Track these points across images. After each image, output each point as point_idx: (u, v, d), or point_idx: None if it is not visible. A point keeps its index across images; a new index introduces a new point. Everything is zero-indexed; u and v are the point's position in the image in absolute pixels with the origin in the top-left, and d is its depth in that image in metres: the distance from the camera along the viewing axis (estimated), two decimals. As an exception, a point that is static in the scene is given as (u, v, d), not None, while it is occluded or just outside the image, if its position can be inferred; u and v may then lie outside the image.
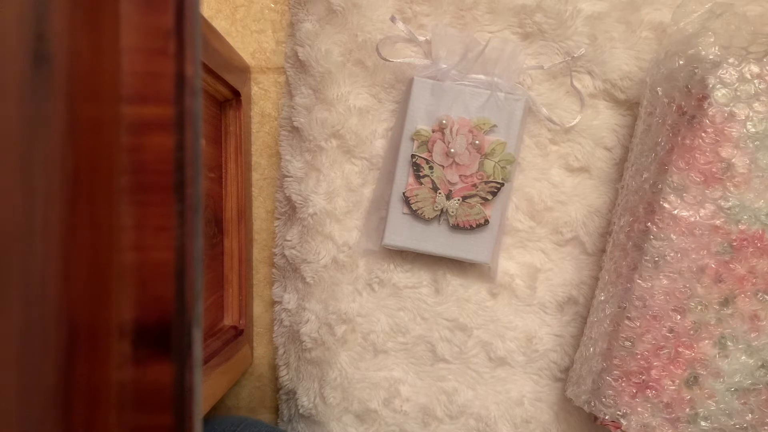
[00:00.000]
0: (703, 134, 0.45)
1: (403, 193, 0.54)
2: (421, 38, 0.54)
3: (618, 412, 0.49)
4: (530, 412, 0.58)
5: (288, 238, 0.59)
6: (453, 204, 0.54)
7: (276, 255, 0.62)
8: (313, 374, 0.59)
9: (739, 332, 0.47)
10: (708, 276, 0.46)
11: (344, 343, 0.58)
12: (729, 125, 0.45)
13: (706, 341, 0.47)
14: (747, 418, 0.48)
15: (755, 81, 0.45)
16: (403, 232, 0.55)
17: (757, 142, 0.45)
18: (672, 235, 0.46)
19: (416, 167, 0.54)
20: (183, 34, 0.25)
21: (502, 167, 0.54)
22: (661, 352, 0.48)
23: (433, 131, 0.53)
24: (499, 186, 0.54)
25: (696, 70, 0.45)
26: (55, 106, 0.24)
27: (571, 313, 0.58)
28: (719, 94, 0.45)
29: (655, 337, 0.48)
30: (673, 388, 0.48)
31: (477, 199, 0.54)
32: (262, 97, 0.62)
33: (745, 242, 0.46)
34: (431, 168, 0.54)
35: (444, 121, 0.53)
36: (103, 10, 0.25)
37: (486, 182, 0.54)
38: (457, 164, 0.53)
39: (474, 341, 0.58)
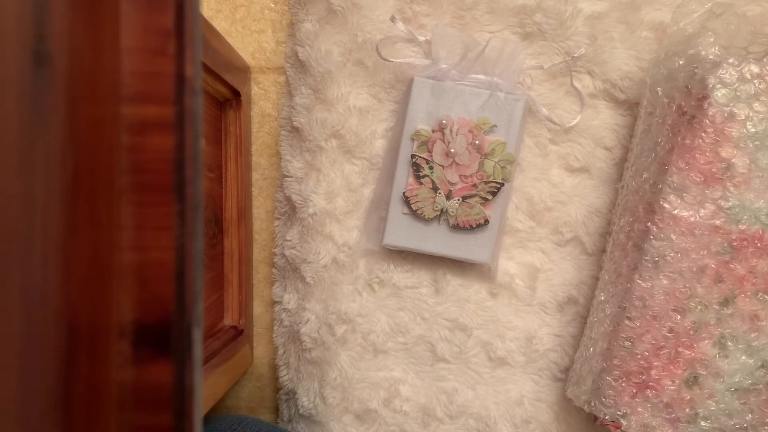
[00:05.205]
0: (703, 134, 0.45)
1: (403, 193, 0.54)
2: (421, 38, 0.54)
3: (618, 412, 0.49)
4: (530, 412, 0.58)
5: (288, 238, 0.59)
6: (453, 204, 0.54)
7: (276, 255, 0.62)
8: (313, 374, 0.59)
9: (739, 332, 0.47)
10: (708, 276, 0.46)
11: (344, 343, 0.58)
12: (729, 125, 0.45)
13: (706, 341, 0.47)
14: (747, 418, 0.48)
15: (755, 81, 0.45)
16: (403, 232, 0.55)
17: (757, 142, 0.45)
18: (672, 235, 0.46)
19: (416, 167, 0.54)
20: (183, 34, 0.25)
21: (502, 167, 0.54)
22: (661, 352, 0.48)
23: (433, 131, 0.53)
24: (499, 186, 0.54)
25: (696, 70, 0.45)
26: (55, 106, 0.24)
27: (571, 313, 0.58)
28: (719, 94, 0.45)
29: (655, 337, 0.48)
30: (673, 388, 0.48)
31: (477, 199, 0.54)
32: (262, 97, 0.62)
33: (745, 242, 0.46)
34: (431, 168, 0.54)
35: (444, 121, 0.53)
36: (103, 10, 0.25)
37: (486, 182, 0.54)
38: (457, 164, 0.53)
39: (474, 341, 0.58)
